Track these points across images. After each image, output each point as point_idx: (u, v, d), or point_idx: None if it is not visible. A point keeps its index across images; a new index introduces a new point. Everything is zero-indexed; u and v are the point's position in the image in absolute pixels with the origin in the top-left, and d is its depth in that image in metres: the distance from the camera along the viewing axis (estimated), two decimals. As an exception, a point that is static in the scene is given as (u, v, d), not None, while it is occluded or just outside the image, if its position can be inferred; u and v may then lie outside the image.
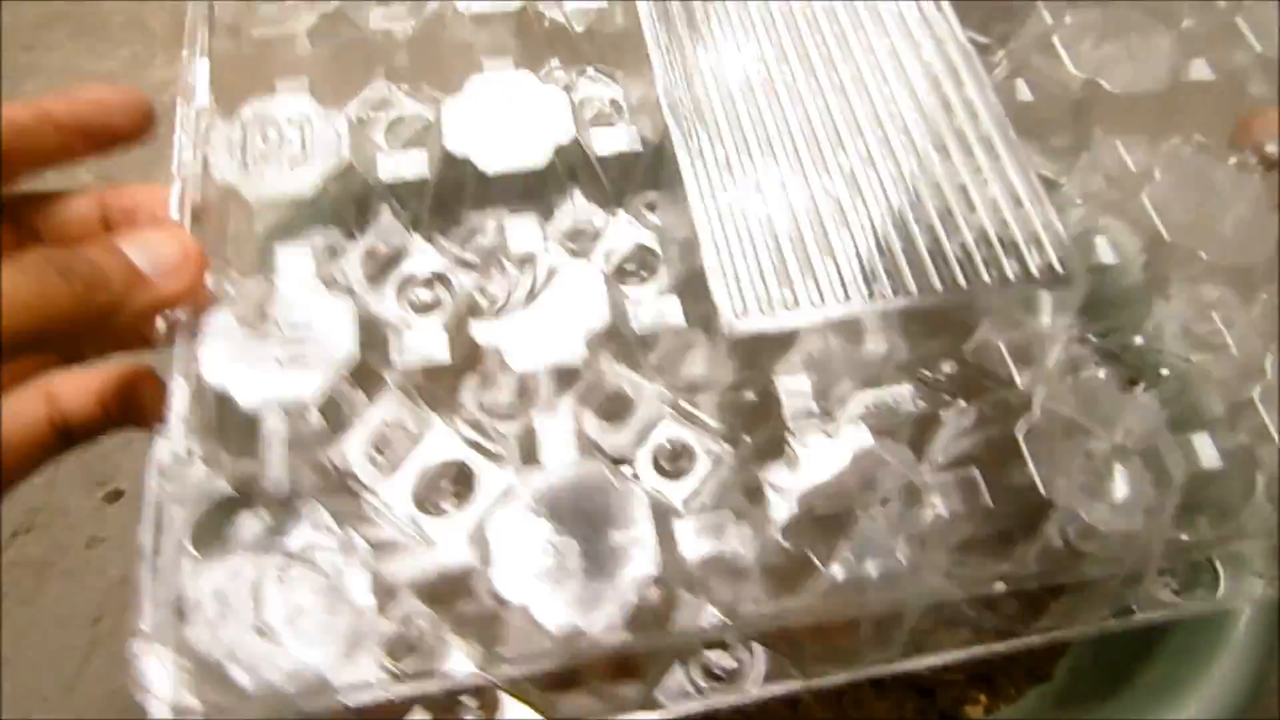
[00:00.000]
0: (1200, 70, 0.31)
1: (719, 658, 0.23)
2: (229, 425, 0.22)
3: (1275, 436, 0.23)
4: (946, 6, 0.29)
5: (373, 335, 0.24)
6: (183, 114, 0.28)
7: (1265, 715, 0.25)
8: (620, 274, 0.28)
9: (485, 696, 0.22)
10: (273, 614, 0.19)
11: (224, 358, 0.22)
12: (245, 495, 0.22)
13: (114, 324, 0.21)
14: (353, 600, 0.19)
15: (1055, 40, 0.30)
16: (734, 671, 0.23)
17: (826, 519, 0.23)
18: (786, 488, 0.22)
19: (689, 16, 0.29)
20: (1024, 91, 0.31)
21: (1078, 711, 0.30)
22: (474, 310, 0.24)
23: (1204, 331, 0.26)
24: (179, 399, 0.23)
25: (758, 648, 0.23)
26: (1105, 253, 0.27)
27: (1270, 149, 0.29)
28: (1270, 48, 0.30)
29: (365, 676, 0.19)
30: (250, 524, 0.20)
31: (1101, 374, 0.27)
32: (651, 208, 0.29)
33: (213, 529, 0.22)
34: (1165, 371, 0.27)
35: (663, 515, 0.22)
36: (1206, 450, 0.24)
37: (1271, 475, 0.24)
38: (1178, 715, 0.26)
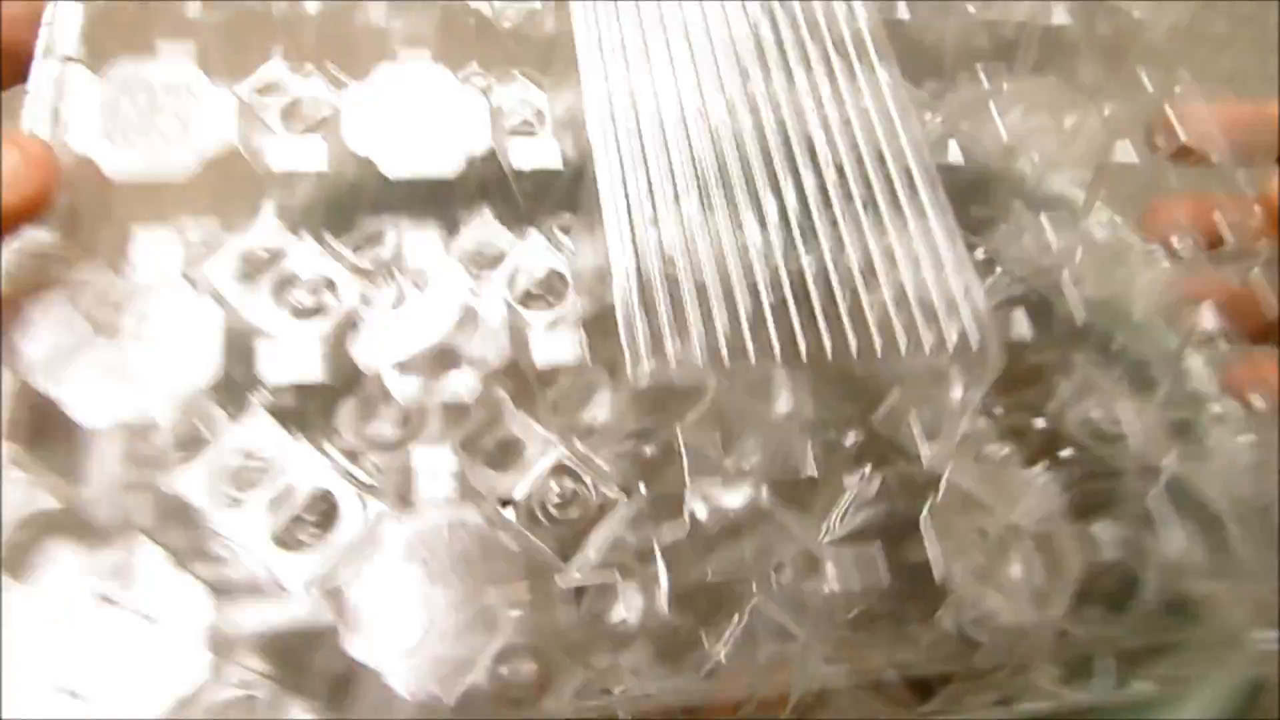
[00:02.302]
0: (1125, 153, 0.31)
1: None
2: (56, 436, 0.20)
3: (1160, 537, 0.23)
4: (888, 57, 0.29)
5: (240, 345, 0.21)
6: (42, 64, 0.25)
7: (1265, 715, 0.25)
8: (525, 298, 0.27)
9: None
10: (83, 672, 0.16)
11: (60, 361, 0.19)
12: (66, 520, 0.19)
13: None
14: (184, 657, 0.17)
15: (990, 105, 0.30)
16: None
17: (717, 587, 0.21)
18: (679, 550, 0.21)
19: (624, 31, 0.27)
20: (955, 153, 0.30)
21: (1077, 711, 0.29)
22: (356, 326, 0.22)
23: (1102, 421, 0.26)
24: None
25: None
26: (1022, 327, 0.26)
27: (1175, 242, 0.30)
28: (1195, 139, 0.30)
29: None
30: (68, 556, 0.18)
31: (1005, 450, 0.27)
32: (566, 230, 0.27)
33: (21, 550, 0.20)
34: (1065, 453, 0.27)
35: (543, 572, 0.20)
36: (1105, 539, 0.23)
37: (1161, 573, 0.24)
38: (1177, 715, 0.26)
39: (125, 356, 0.19)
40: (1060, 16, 0.34)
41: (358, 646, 0.18)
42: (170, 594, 0.17)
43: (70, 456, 0.20)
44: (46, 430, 0.20)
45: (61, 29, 0.25)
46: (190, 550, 0.19)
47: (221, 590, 0.18)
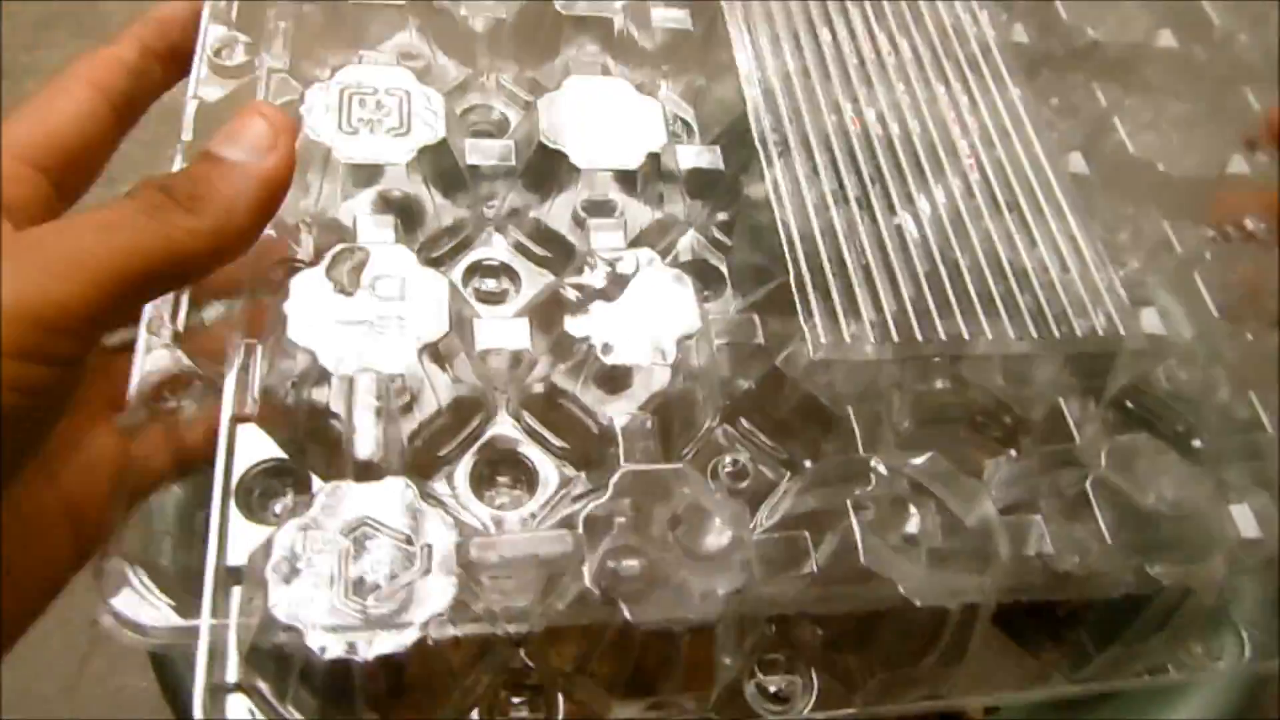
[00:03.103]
0: (1238, 164, 0.33)
1: (775, 679, 0.23)
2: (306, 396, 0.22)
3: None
4: (1018, 73, 0.31)
5: (455, 315, 0.23)
6: (261, 70, 0.27)
7: (1265, 715, 0.26)
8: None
9: (540, 697, 0.22)
10: (357, 588, 0.18)
11: (313, 318, 0.21)
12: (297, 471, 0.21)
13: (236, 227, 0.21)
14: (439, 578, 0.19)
15: (1115, 121, 0.32)
16: (791, 693, 0.23)
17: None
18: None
19: (784, 50, 0.30)
20: (1078, 163, 0.32)
21: (1078, 711, 0.30)
22: (561, 303, 0.24)
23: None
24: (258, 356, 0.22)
25: (813, 672, 0.23)
26: (1156, 325, 0.28)
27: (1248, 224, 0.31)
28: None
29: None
30: (337, 489, 0.19)
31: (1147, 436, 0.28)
32: (726, 231, 0.29)
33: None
34: (1197, 443, 0.28)
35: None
36: (1244, 519, 0.25)
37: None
38: (1178, 715, 0.27)
39: (367, 314, 0.22)
40: (1166, 40, 0.36)
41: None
42: (423, 523, 0.19)
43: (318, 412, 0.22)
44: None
45: (272, 39, 0.28)
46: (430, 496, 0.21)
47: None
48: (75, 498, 0.22)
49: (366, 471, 0.20)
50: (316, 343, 0.21)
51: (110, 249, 0.19)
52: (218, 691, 0.20)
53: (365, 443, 0.20)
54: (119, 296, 0.19)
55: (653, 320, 0.23)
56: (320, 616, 0.18)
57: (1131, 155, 0.31)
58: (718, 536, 0.20)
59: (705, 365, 0.24)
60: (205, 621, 0.20)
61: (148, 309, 0.23)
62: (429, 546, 0.19)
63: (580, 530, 0.20)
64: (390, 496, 0.20)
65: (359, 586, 0.18)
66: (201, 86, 0.27)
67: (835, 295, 0.25)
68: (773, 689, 0.23)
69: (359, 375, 0.21)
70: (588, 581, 0.19)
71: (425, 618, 0.18)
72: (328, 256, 0.22)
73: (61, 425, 0.21)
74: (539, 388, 0.24)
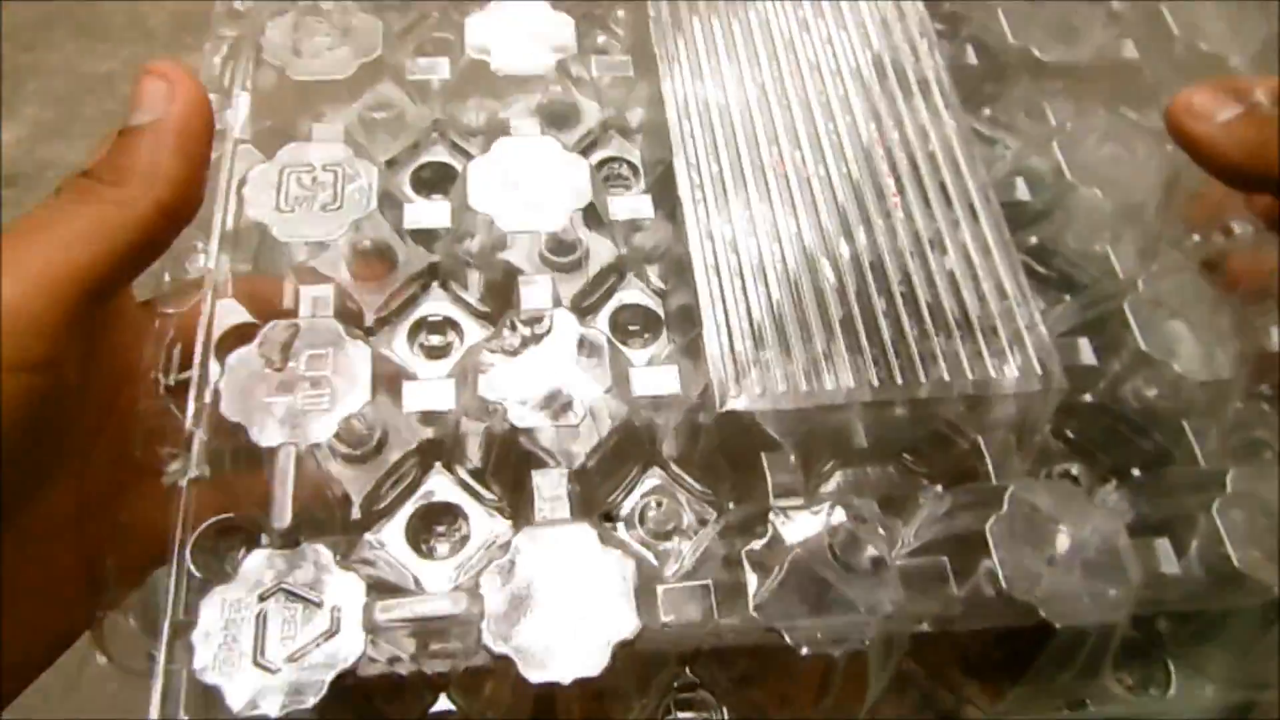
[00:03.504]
0: (1192, 180, 0.32)
1: (689, 717, 0.24)
2: (240, 458, 0.24)
3: (1229, 549, 0.24)
4: (954, 101, 0.31)
5: (385, 380, 0.25)
6: (225, 147, 0.29)
7: (1265, 716, 0.26)
8: (624, 335, 0.30)
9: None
10: (273, 649, 0.20)
11: (244, 393, 0.23)
12: (250, 527, 0.24)
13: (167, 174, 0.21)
14: (347, 637, 0.20)
15: (1054, 143, 0.32)
16: (701, 732, 0.24)
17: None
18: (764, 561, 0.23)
19: (708, 94, 0.31)
20: (1022, 190, 0.32)
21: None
22: (482, 365, 0.25)
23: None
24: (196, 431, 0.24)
25: (724, 708, 0.24)
26: (1087, 355, 0.28)
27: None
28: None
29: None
30: (257, 557, 0.21)
31: (1074, 470, 0.29)
32: (662, 278, 0.30)
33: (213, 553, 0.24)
34: (1136, 472, 0.28)
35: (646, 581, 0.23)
36: (1166, 555, 0.25)
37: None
38: (1178, 715, 0.27)
39: (293, 388, 0.23)
40: (1129, 51, 0.35)
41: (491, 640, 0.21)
42: (335, 586, 0.21)
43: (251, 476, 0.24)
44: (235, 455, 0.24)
45: (235, 114, 0.30)
46: (347, 554, 0.23)
47: (375, 586, 0.22)
48: (99, 555, 0.24)
49: (288, 538, 0.22)
50: (245, 417, 0.23)
51: (52, 249, 0.19)
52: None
53: (282, 513, 0.22)
54: (80, 293, 0.19)
55: (563, 380, 0.25)
56: (233, 680, 0.20)
57: (1074, 178, 0.31)
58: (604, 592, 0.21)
59: (625, 418, 0.26)
60: (160, 670, 0.22)
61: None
62: (338, 609, 0.21)
63: (481, 589, 0.21)
64: (309, 561, 0.21)
65: (272, 648, 0.20)
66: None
67: (747, 345, 0.25)
68: (685, 727, 0.24)
69: (281, 449, 0.23)
70: (486, 640, 0.21)
71: (332, 675, 0.20)
72: (260, 334, 0.24)
73: (97, 482, 0.23)
74: (470, 444, 0.26)
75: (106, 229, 0.20)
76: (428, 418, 0.26)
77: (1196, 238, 0.32)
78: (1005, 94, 0.35)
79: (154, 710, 0.22)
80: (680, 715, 0.24)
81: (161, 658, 0.22)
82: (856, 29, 0.32)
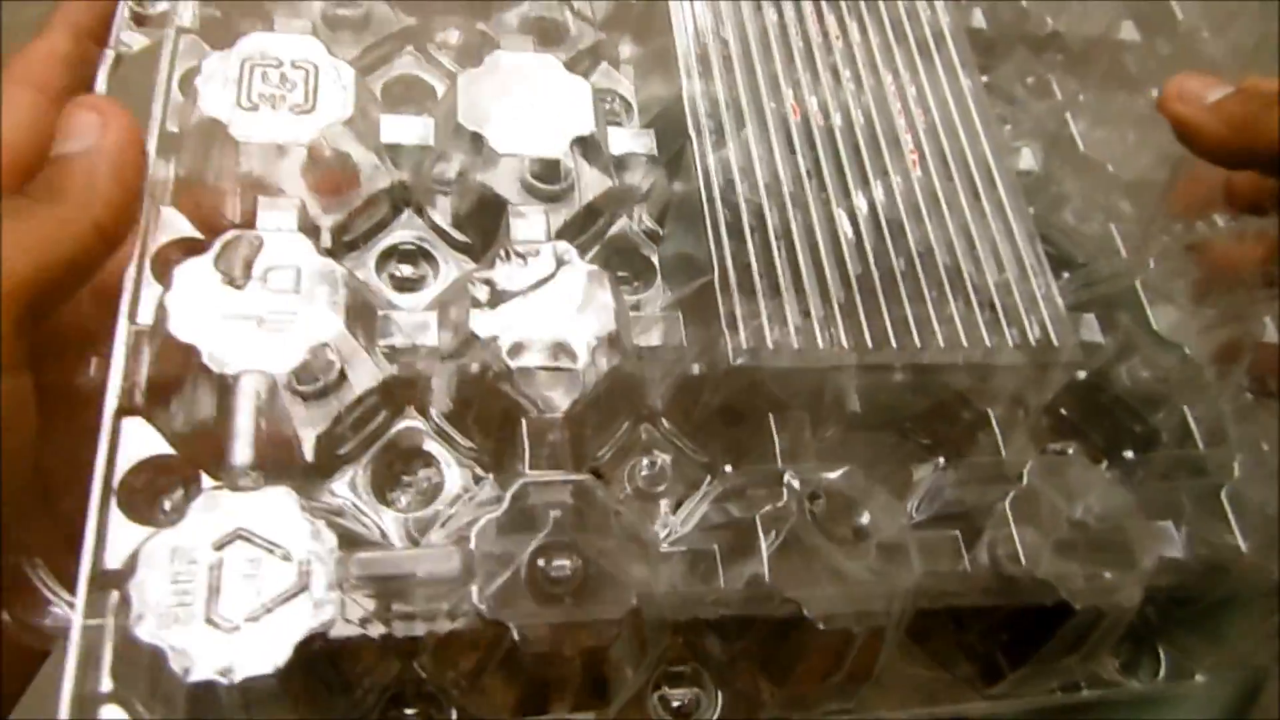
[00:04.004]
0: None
1: (679, 693, 0.22)
2: (191, 392, 0.20)
3: (1239, 539, 0.23)
4: (970, 63, 0.30)
5: (358, 307, 0.22)
6: (167, 35, 0.26)
7: (1265, 716, 0.26)
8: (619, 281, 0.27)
9: (433, 707, 0.21)
10: (230, 605, 0.17)
11: (197, 311, 0.20)
12: (196, 465, 0.20)
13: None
14: (318, 595, 0.18)
15: (1068, 116, 0.31)
16: (693, 707, 0.22)
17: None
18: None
19: (721, 29, 0.28)
20: (1028, 159, 0.31)
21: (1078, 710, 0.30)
22: (466, 297, 0.22)
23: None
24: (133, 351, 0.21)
25: (716, 686, 0.23)
26: (1093, 332, 0.27)
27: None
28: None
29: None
30: (209, 498, 0.18)
31: (1069, 450, 0.28)
32: (658, 220, 0.28)
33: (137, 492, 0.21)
34: (1130, 454, 0.28)
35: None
36: (1169, 538, 0.24)
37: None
38: (1178, 715, 0.26)
39: (257, 308, 0.20)
40: (1129, 32, 0.35)
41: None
42: (302, 535, 0.18)
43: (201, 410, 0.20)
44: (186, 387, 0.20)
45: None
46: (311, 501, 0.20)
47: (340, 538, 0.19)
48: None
49: (247, 478, 0.19)
50: (200, 338, 0.20)
51: None
52: (88, 700, 0.19)
53: (244, 449, 0.19)
54: (21, 306, 0.19)
55: (565, 321, 0.22)
56: (183, 638, 0.17)
57: (1083, 153, 0.30)
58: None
59: (621, 367, 0.23)
60: (77, 626, 0.19)
61: None
62: (308, 562, 0.18)
63: (472, 545, 0.19)
64: (271, 507, 0.19)
65: (229, 604, 0.17)
66: (122, 36, 0.25)
67: (760, 297, 0.24)
68: (675, 703, 0.22)
69: (243, 376, 0.20)
70: (475, 600, 0.18)
71: (300, 637, 0.17)
72: (217, 244, 0.21)
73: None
74: (448, 386, 0.23)
75: (45, 244, 0.20)
76: (402, 353, 0.23)
77: (1179, 227, 0.32)
78: (1004, 63, 0.34)
79: (68, 681, 0.18)
80: (669, 691, 0.22)
81: (79, 613, 0.19)
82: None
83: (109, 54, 0.25)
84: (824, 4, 0.30)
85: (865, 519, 0.22)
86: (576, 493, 0.20)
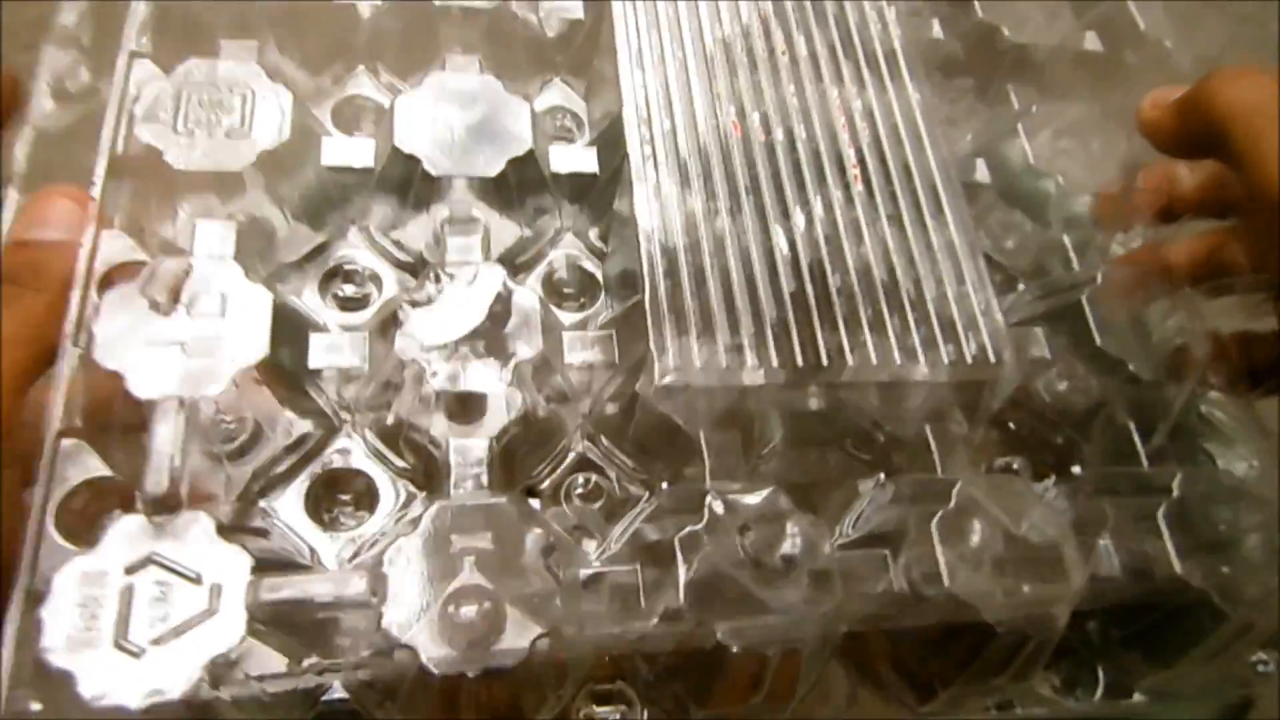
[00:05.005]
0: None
1: (605, 711, 0.23)
2: (117, 413, 0.21)
3: (1173, 557, 0.23)
4: (920, 74, 0.29)
5: (289, 331, 0.23)
6: (119, 61, 0.26)
7: (1265, 716, 0.26)
8: (559, 299, 0.28)
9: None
10: (138, 629, 0.18)
11: (122, 337, 0.21)
12: (125, 489, 0.21)
13: None
14: (227, 619, 0.18)
15: (1019, 127, 0.30)
16: (619, 727, 0.22)
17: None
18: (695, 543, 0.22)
19: (662, 40, 0.28)
20: (982, 171, 0.31)
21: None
22: (399, 317, 0.23)
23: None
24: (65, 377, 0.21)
25: (642, 707, 0.23)
26: (1040, 347, 0.27)
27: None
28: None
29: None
30: (126, 523, 0.19)
31: (1015, 465, 0.28)
32: (602, 238, 0.28)
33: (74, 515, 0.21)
34: (1077, 470, 0.28)
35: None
36: (1106, 556, 0.24)
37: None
38: (1178, 716, 0.26)
39: (181, 334, 0.21)
40: (1092, 43, 0.34)
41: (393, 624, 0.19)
42: (216, 560, 0.18)
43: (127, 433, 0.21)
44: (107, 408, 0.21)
45: (130, 26, 0.26)
46: (235, 524, 0.20)
47: (263, 561, 0.19)
48: None
49: (165, 504, 0.19)
50: (124, 364, 0.20)
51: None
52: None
53: (157, 475, 0.19)
54: (21, 387, 0.21)
55: (493, 342, 0.22)
56: (88, 664, 0.17)
57: (1036, 164, 0.30)
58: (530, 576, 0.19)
59: (552, 387, 0.24)
60: (8, 647, 0.19)
61: None
62: (218, 586, 0.18)
63: (384, 568, 0.19)
64: (187, 532, 0.19)
65: (137, 628, 0.18)
66: (41, 116, 0.25)
67: (691, 315, 0.24)
68: (602, 722, 0.22)
69: (162, 403, 0.20)
70: (388, 626, 0.19)
71: (206, 660, 0.18)
72: (145, 271, 0.21)
73: None
74: (380, 408, 0.23)
75: (40, 332, 0.21)
76: (331, 377, 0.23)
77: (1124, 235, 0.32)
78: (967, 74, 0.34)
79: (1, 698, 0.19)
80: (597, 710, 0.22)
81: (9, 635, 0.19)
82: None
83: (27, 130, 0.26)
84: (772, 19, 0.30)
85: (793, 547, 0.22)
86: (492, 517, 0.20)
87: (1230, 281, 0.29)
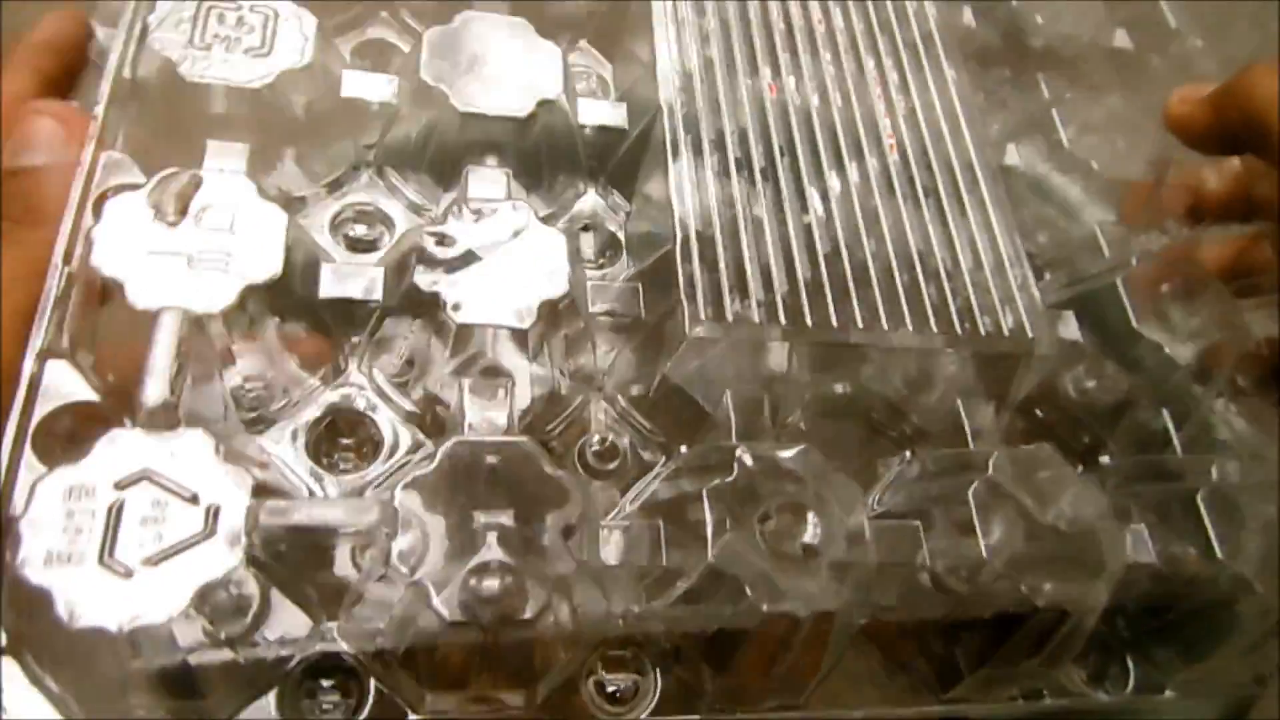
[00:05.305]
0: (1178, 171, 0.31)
1: (616, 678, 0.21)
2: (114, 323, 0.19)
3: (1217, 547, 0.22)
4: (956, 57, 0.29)
5: (299, 258, 0.21)
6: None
7: (1265, 715, 0.25)
8: (579, 253, 0.27)
9: (351, 687, 0.20)
10: (126, 549, 0.16)
11: (124, 245, 0.19)
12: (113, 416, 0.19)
13: None
14: (223, 543, 0.17)
15: (1054, 114, 0.30)
16: (630, 694, 0.21)
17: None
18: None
19: (702, 5, 0.28)
20: (1013, 156, 0.30)
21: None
22: (421, 256, 0.21)
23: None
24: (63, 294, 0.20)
25: (657, 672, 0.21)
26: (1071, 329, 0.26)
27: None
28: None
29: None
30: (118, 436, 0.17)
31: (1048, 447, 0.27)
32: (628, 196, 0.27)
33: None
34: (1106, 459, 0.27)
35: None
36: (1141, 542, 0.23)
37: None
38: (1177, 716, 0.25)
39: (187, 247, 0.19)
40: (1121, 40, 0.34)
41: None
42: (215, 480, 0.17)
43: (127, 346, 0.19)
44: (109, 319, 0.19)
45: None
46: (234, 450, 0.19)
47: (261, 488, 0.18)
48: None
49: (160, 419, 0.18)
50: (124, 273, 0.19)
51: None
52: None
53: (157, 386, 0.18)
54: (24, 329, 0.20)
55: (516, 280, 0.21)
56: (72, 580, 0.16)
57: (1068, 152, 0.30)
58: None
59: (575, 334, 0.22)
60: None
61: None
62: (216, 508, 0.17)
63: (396, 501, 0.18)
64: (184, 449, 0.17)
65: (126, 548, 0.16)
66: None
67: (723, 268, 0.23)
68: (611, 689, 0.21)
69: (164, 313, 0.19)
70: (395, 561, 0.17)
71: (200, 585, 0.16)
72: (152, 180, 0.20)
73: None
74: (392, 347, 0.22)
75: (37, 270, 0.20)
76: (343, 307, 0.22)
77: (1156, 232, 0.31)
78: (994, 63, 0.33)
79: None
80: (607, 676, 0.21)
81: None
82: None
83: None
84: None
85: (815, 535, 0.20)
86: (510, 455, 0.19)
87: (1257, 281, 0.29)
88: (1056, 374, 0.26)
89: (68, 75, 0.25)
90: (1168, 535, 0.23)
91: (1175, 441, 0.25)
